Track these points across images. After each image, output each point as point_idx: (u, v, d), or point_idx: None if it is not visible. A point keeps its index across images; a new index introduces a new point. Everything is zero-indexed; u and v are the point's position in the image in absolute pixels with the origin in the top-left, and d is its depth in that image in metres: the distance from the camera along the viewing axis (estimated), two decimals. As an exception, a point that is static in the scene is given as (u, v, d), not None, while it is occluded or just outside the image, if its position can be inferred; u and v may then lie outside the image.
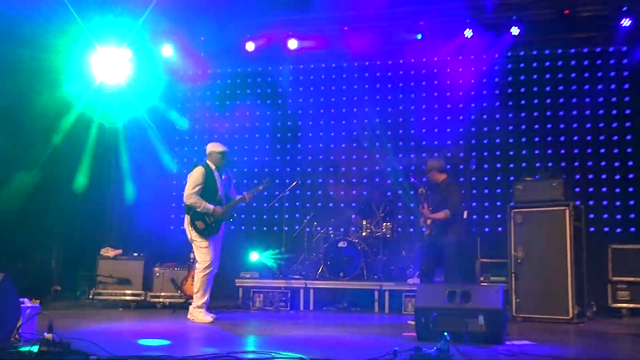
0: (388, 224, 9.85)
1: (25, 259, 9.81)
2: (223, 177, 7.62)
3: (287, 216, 10.30)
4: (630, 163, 9.85)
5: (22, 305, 5.38)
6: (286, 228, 10.08)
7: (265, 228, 11.15)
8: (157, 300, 9.22)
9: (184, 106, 11.68)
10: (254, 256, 10.11)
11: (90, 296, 9.30)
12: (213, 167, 7.54)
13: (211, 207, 7.37)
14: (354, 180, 11.03)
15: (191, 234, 7.40)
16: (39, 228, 9.81)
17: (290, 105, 11.46)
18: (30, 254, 9.89)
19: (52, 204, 10.32)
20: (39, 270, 9.82)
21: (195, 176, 7.42)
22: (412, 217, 10.32)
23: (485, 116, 10.63)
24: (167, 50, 10.97)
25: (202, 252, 7.40)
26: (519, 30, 9.78)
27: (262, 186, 7.82)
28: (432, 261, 7.55)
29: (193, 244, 7.47)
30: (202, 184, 7.39)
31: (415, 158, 10.80)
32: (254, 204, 10.98)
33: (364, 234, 9.85)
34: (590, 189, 9.93)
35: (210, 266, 7.38)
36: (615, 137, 9.97)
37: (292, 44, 10.83)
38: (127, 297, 9.32)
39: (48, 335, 4.71)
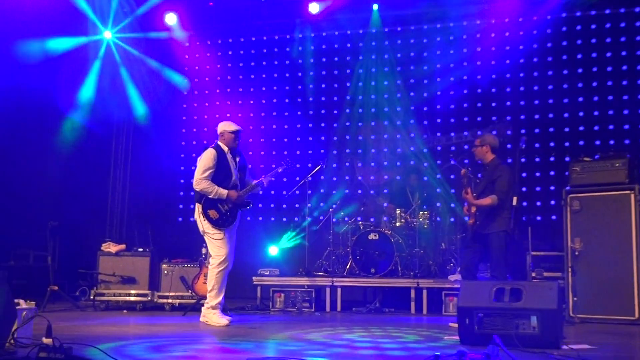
0: (425, 212, 9.85)
1: (18, 256, 10.00)
2: (237, 159, 7.65)
3: (309, 205, 10.33)
4: None
5: (17, 307, 5.43)
6: (309, 218, 10.12)
7: (285, 219, 11.22)
8: (165, 301, 9.32)
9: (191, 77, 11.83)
10: (273, 250, 10.17)
11: (91, 297, 9.44)
12: (226, 148, 7.56)
13: (225, 191, 7.42)
14: (385, 162, 11.02)
15: (203, 225, 7.45)
16: (32, 221, 9.97)
17: (311, 79, 11.47)
18: (23, 250, 10.07)
19: (47, 194, 10.50)
20: (33, 268, 9.99)
21: (206, 159, 7.46)
22: (452, 205, 10.30)
23: (536, 87, 10.55)
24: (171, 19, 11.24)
25: (216, 246, 7.44)
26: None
27: (281, 168, 7.84)
28: (476, 255, 7.52)
29: (205, 237, 7.52)
30: (214, 167, 7.43)
31: (455, 137, 10.75)
32: (272, 191, 11.09)
33: (397, 224, 9.85)
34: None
35: (226, 261, 7.43)
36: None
37: (314, 7, 10.82)
38: (132, 298, 9.45)
39: (47, 340, 4.79)
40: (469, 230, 7.69)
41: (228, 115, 10.52)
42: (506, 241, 7.32)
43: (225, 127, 7.63)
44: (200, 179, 7.42)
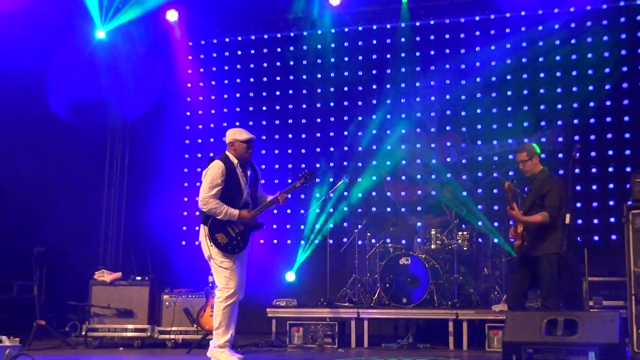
0: (464, 232, 9.82)
1: (1, 287, 10.08)
2: (248, 173, 7.59)
3: (331, 225, 10.33)
4: None
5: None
6: (331, 241, 10.14)
7: (303, 241, 11.23)
8: (166, 336, 9.35)
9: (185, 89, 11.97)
10: (290, 277, 10.18)
11: (83, 332, 9.48)
12: (235, 161, 7.46)
13: (236, 212, 7.37)
14: (418, 176, 11.02)
15: (210, 250, 7.37)
16: (15, 247, 10.06)
17: (332, 81, 11.51)
18: (5, 281, 10.15)
19: (31, 216, 10.59)
20: (17, 300, 10.07)
21: (213, 174, 7.37)
22: (496, 224, 10.26)
23: (591, 87, 10.48)
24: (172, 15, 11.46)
25: (223, 275, 7.37)
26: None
27: (299, 183, 7.79)
28: (524, 282, 7.46)
29: (211, 264, 7.44)
30: (222, 183, 7.35)
31: (498, 145, 10.73)
32: (288, 210, 11.11)
33: (432, 246, 9.83)
34: None
35: (235, 294, 7.35)
36: None
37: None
38: (129, 333, 9.48)
39: (32, 383, 4.84)
40: (516, 253, 7.64)
41: (237, 124, 10.61)
42: (559, 265, 7.25)
43: (236, 135, 7.53)
44: (208, 198, 7.34)
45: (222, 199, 7.36)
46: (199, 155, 11.77)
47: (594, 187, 10.31)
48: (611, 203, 10.09)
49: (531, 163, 7.53)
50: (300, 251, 10.76)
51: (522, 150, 7.64)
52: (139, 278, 9.74)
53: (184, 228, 11.69)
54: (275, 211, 10.54)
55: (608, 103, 10.43)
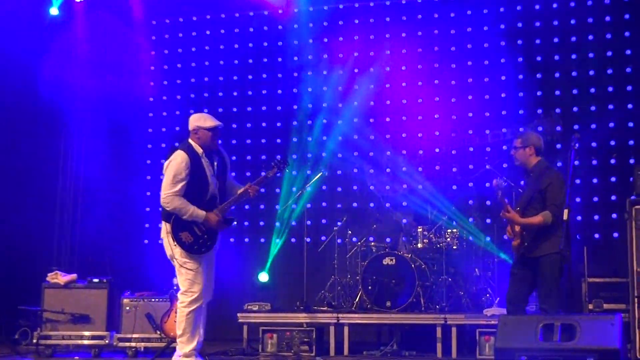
0: (454, 230, 9.85)
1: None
2: (215, 162, 7.54)
3: (308, 222, 10.33)
4: None
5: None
6: (308, 239, 10.12)
7: (277, 240, 11.21)
8: (127, 344, 9.32)
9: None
10: (263, 277, 10.17)
11: (34, 340, 9.43)
12: (200, 150, 7.41)
13: (202, 213, 7.31)
14: (403, 168, 11.03)
15: (173, 250, 7.34)
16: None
17: (309, 64, 11.48)
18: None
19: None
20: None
21: (176, 167, 7.28)
22: (487, 220, 10.30)
23: (592, 72, 10.54)
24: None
25: (187, 277, 7.32)
26: None
27: (271, 172, 7.72)
28: (525, 284, 7.42)
29: (175, 264, 7.42)
30: (187, 178, 7.28)
31: (491, 135, 10.75)
32: (262, 205, 11.09)
33: (419, 245, 9.85)
34: None
35: (200, 298, 7.32)
36: None
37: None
38: (86, 341, 9.43)
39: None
40: (514, 254, 7.62)
41: (205, 110, 10.58)
42: (561, 265, 7.26)
43: (200, 122, 7.46)
44: (171, 196, 7.26)
45: (187, 193, 7.30)
46: (163, 145, 11.70)
47: (595, 180, 10.34)
48: (613, 198, 10.14)
49: (523, 153, 7.44)
50: (272, 249, 10.74)
51: (520, 136, 7.62)
52: (96, 280, 9.69)
53: (147, 225, 11.63)
54: (247, 206, 10.56)
55: (610, 89, 10.47)
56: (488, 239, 10.10)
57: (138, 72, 11.86)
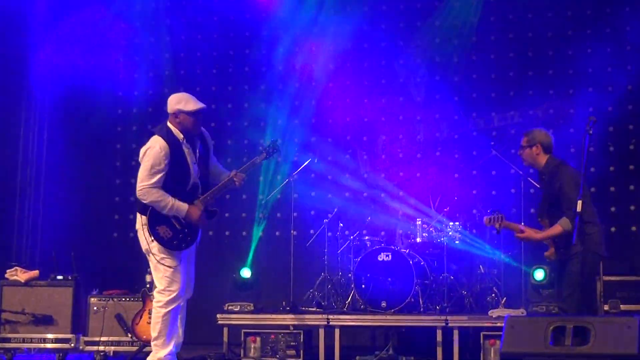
0: (456, 223, 9.89)
1: None
2: (197, 148, 7.45)
3: (295, 214, 10.36)
4: None
5: None
6: (295, 232, 10.15)
7: (261, 233, 11.22)
8: (94, 348, 9.29)
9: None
10: (246, 273, 10.19)
11: (-8, 343, 9.46)
12: (180, 136, 7.33)
13: (184, 207, 7.26)
14: (400, 153, 11.06)
15: (149, 244, 7.32)
16: None
17: (297, 39, 11.47)
18: None
19: None
20: None
21: (153, 157, 7.19)
22: (489, 211, 10.33)
23: (609, 49, 10.56)
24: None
25: (164, 275, 7.30)
26: None
27: (260, 158, 7.66)
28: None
29: (150, 260, 7.41)
30: (165, 168, 7.20)
31: (497, 118, 10.79)
32: (244, 195, 11.09)
33: (418, 239, 9.88)
34: None
35: (178, 298, 7.31)
36: None
37: None
38: (49, 344, 9.41)
39: None
40: (555, 266, 7.61)
41: (181, 89, 10.55)
42: (593, 265, 7.29)
43: (181, 104, 7.32)
44: (147, 188, 7.19)
45: (166, 184, 7.24)
46: (134, 128, 11.68)
47: (612, 168, 10.39)
48: (631, 187, 10.20)
49: (530, 152, 7.48)
50: (253, 243, 10.74)
51: (525, 134, 7.63)
52: (60, 277, 9.67)
53: (116, 217, 11.62)
54: (227, 196, 10.55)
55: (629, 67, 10.52)
56: (494, 232, 10.14)
57: (107, 48, 11.76)
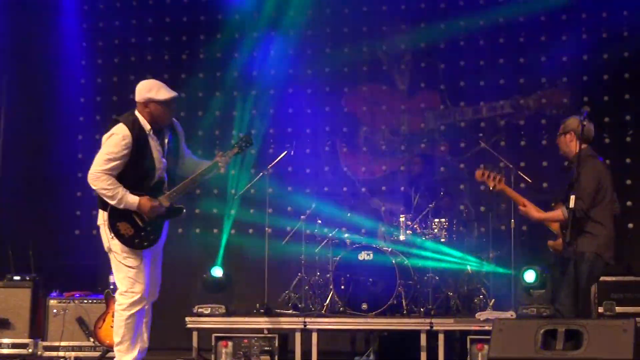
0: (442, 220, 9.91)
1: None
2: (166, 140, 7.32)
3: (270, 210, 10.35)
4: None
5: None
6: (269, 230, 10.15)
7: (233, 230, 11.20)
8: (54, 353, 9.32)
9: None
10: (217, 272, 10.18)
11: (-57, 349, 9.44)
12: (147, 127, 7.18)
13: (134, 199, 7.08)
14: (383, 146, 11.07)
15: (110, 242, 7.25)
16: None
17: (275, 23, 11.47)
18: None
19: None
20: None
21: (113, 144, 7.04)
22: (481, 208, 10.37)
23: (604, 35, 10.62)
24: None
25: (127, 275, 7.20)
26: None
27: (233, 152, 7.62)
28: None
29: (112, 259, 7.35)
30: (124, 158, 7.06)
31: (486, 107, 10.82)
32: (215, 190, 11.09)
33: (401, 237, 9.91)
34: None
35: (143, 300, 7.24)
36: None
37: None
38: (5, 350, 9.41)
39: None
40: (564, 259, 7.64)
41: (148, 76, 10.48)
42: (595, 267, 7.33)
43: (152, 92, 7.15)
44: (100, 173, 7.03)
45: (127, 178, 7.11)
46: (98, 117, 11.65)
47: (607, 161, 10.41)
48: (628, 182, 10.25)
49: (564, 140, 7.55)
50: (223, 241, 10.73)
51: (562, 122, 7.69)
52: (17, 278, 9.68)
53: (78, 213, 11.58)
54: (197, 191, 10.52)
55: (625, 54, 10.57)
56: (482, 229, 10.18)
57: (68, 33, 11.72)
